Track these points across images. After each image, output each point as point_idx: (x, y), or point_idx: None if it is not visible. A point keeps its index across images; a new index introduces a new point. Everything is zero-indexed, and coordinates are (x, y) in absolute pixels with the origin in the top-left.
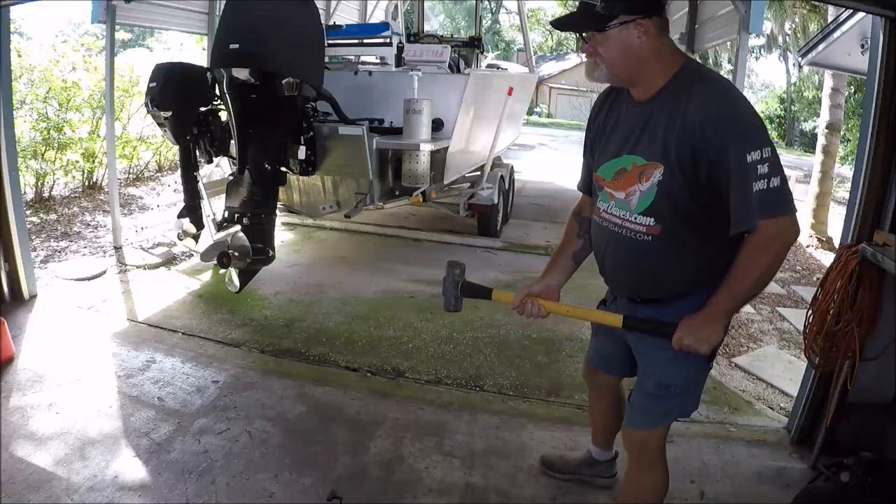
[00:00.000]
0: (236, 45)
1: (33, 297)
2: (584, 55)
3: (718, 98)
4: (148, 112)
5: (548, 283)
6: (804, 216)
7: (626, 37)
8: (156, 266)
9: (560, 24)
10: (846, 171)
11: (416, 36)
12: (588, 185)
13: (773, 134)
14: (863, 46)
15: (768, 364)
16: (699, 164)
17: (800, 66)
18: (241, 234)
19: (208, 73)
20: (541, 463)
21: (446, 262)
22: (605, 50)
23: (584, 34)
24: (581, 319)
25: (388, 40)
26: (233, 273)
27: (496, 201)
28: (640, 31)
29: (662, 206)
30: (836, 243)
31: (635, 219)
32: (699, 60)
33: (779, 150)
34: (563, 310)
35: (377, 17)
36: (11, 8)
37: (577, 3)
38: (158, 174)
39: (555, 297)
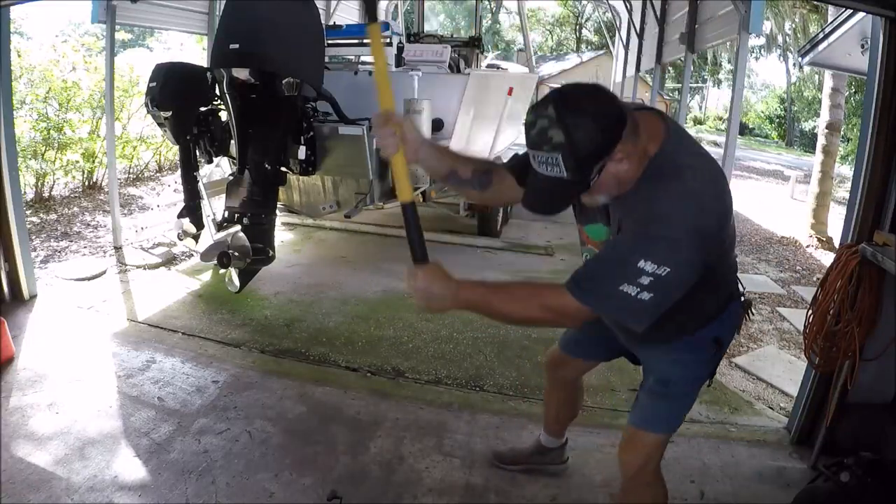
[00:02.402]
0: (236, 45)
1: (33, 297)
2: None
3: (668, 199)
4: (148, 112)
5: (418, 139)
6: (804, 216)
7: (610, 173)
8: (156, 266)
9: (543, 209)
10: (846, 171)
11: (416, 36)
12: (520, 169)
13: (773, 134)
14: (863, 46)
15: (768, 364)
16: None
17: (800, 66)
18: (241, 234)
19: (208, 73)
20: (493, 457)
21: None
22: (599, 192)
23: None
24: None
25: (388, 40)
26: (233, 273)
27: None
28: (618, 160)
29: None
30: (836, 243)
31: None
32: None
33: (779, 150)
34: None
35: None
36: (11, 8)
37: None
38: (158, 174)
39: (413, 153)
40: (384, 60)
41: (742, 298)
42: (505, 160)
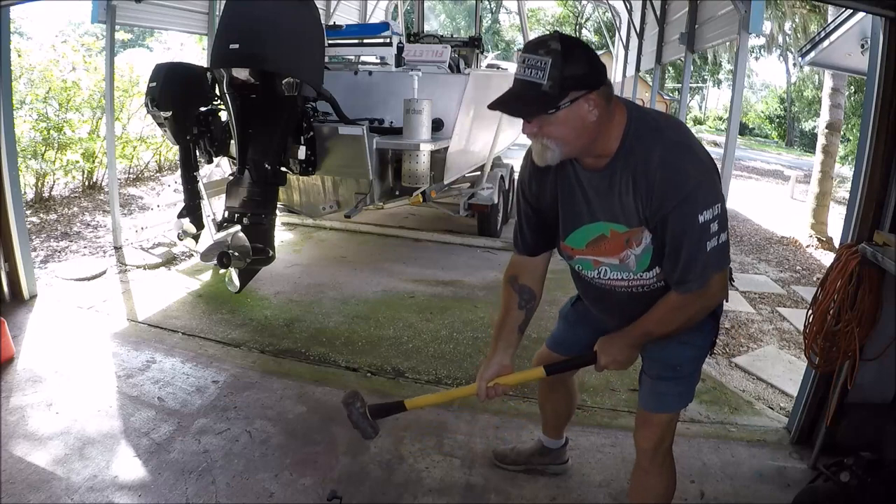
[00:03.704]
0: (236, 45)
1: (33, 297)
2: (526, 135)
3: (665, 159)
4: (148, 112)
5: (500, 363)
6: (804, 216)
7: (578, 113)
8: (156, 266)
9: (502, 107)
10: (846, 171)
11: (416, 36)
12: (534, 243)
13: (773, 134)
14: (863, 46)
15: (768, 364)
16: (655, 224)
17: (800, 66)
18: (241, 234)
19: (208, 73)
20: (493, 457)
21: (342, 403)
22: (556, 129)
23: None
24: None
25: (388, 40)
26: (233, 273)
27: (496, 201)
28: (591, 105)
29: (661, 257)
30: (836, 243)
31: (641, 276)
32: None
33: (779, 150)
34: (525, 377)
35: (377, 17)
36: (11, 8)
37: (525, 73)
38: (158, 174)
39: (508, 373)
40: (524, 377)
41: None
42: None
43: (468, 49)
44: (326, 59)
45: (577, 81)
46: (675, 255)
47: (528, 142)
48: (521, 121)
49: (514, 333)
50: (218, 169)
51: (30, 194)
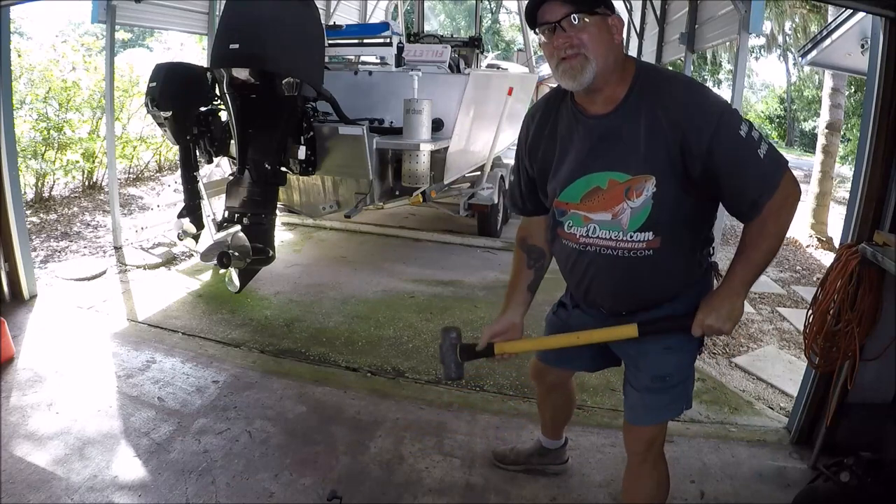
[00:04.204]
0: (236, 45)
1: (33, 297)
2: (563, 52)
3: (688, 91)
4: (148, 112)
5: (510, 321)
6: (804, 216)
7: (608, 28)
8: (156, 266)
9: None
10: (846, 171)
11: (416, 36)
12: (534, 206)
13: (773, 134)
14: (863, 46)
15: (768, 364)
16: (691, 162)
17: (800, 66)
18: (241, 234)
19: (208, 73)
20: (493, 457)
21: (441, 330)
22: (591, 39)
23: (561, 22)
24: (579, 343)
25: (388, 40)
26: (233, 273)
27: (496, 201)
28: (616, 28)
29: (661, 217)
30: (836, 243)
31: (631, 237)
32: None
33: (779, 150)
34: (529, 346)
35: (377, 17)
36: (11, 8)
37: None
38: (158, 174)
39: (517, 333)
40: (531, 345)
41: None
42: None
43: (468, 49)
44: (326, 59)
45: (607, 2)
46: (739, 179)
47: None
48: (521, 121)
49: (524, 293)
50: (218, 169)
51: (30, 194)
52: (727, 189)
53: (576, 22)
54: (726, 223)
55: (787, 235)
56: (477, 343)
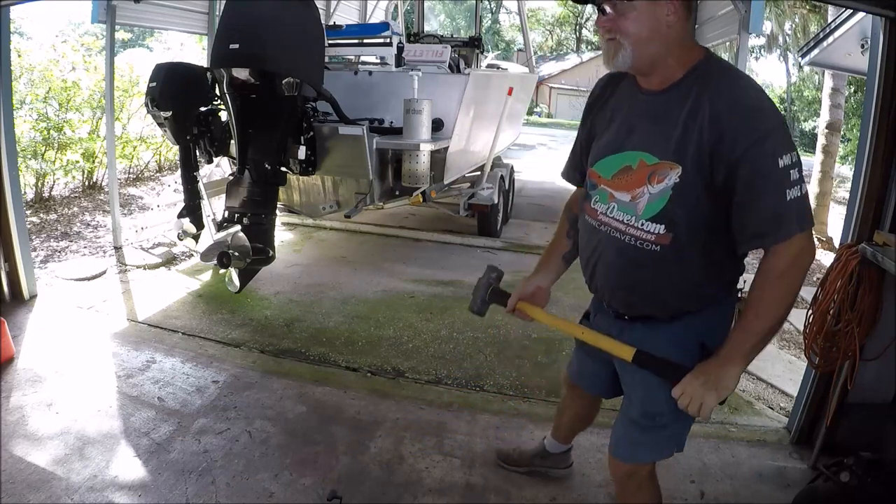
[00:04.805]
0: (236, 45)
1: (33, 297)
2: (603, 34)
3: (745, 92)
4: (148, 112)
5: (538, 284)
6: None
7: (657, 13)
8: (156, 266)
9: None
10: (846, 171)
11: (416, 36)
12: (583, 176)
13: None
14: (863, 46)
15: (768, 364)
16: (717, 165)
17: (800, 66)
18: (241, 234)
19: (208, 73)
20: (496, 456)
21: (487, 265)
22: (633, 25)
23: (604, 5)
24: (583, 339)
25: (388, 40)
26: (233, 273)
27: (496, 201)
28: (671, 10)
29: (676, 213)
30: (836, 243)
31: (642, 225)
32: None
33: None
34: (551, 321)
35: (377, 17)
36: (11, 8)
37: None
38: (158, 174)
39: (543, 298)
40: (553, 322)
41: (739, 296)
42: (505, 160)
43: (468, 49)
44: (326, 59)
45: None
46: (749, 204)
47: (528, 143)
48: (520, 120)
49: (558, 261)
50: (218, 169)
51: (30, 194)
52: (735, 212)
53: (618, 6)
54: None
55: None
56: (509, 294)
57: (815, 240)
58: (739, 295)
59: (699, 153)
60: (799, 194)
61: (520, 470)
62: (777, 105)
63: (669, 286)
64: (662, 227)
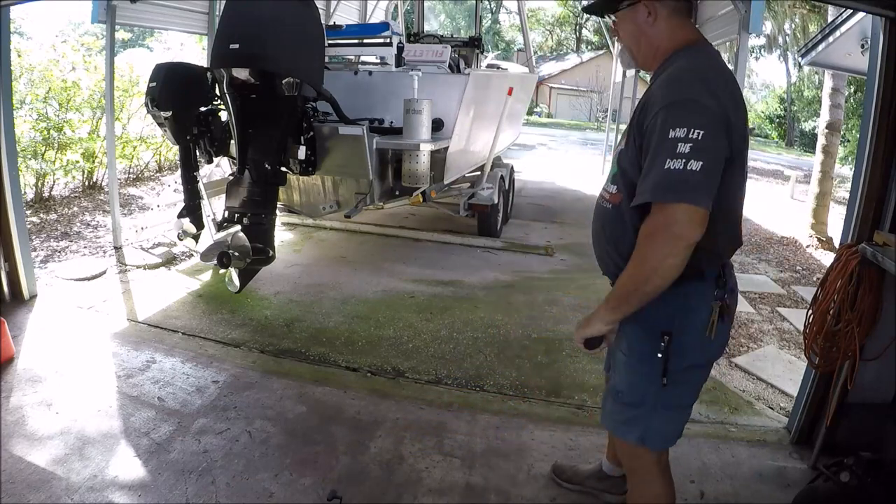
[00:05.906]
0: (236, 45)
1: (33, 297)
2: (619, 42)
3: (682, 70)
4: (148, 112)
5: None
6: (804, 216)
7: (636, 17)
8: (156, 266)
9: (586, 7)
10: (846, 171)
11: (416, 36)
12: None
13: (773, 134)
14: (863, 46)
15: (768, 364)
16: (639, 130)
17: (800, 66)
18: (241, 234)
19: (208, 73)
20: (551, 470)
21: None
22: (622, 32)
23: (613, 20)
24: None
25: (388, 40)
26: (233, 273)
27: (496, 201)
28: (647, 13)
29: (623, 173)
30: (836, 243)
31: (606, 187)
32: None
33: (779, 150)
34: None
35: (377, 17)
36: (11, 8)
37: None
38: (158, 174)
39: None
40: None
41: (724, 296)
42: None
43: (468, 49)
44: (326, 59)
45: None
46: (645, 164)
47: (528, 143)
48: (520, 120)
49: None
50: (218, 169)
51: (30, 194)
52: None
53: (612, 21)
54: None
55: (787, 234)
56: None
57: (816, 239)
58: (725, 292)
59: (635, 119)
60: (680, 167)
61: (572, 487)
62: (777, 105)
63: (618, 247)
64: (615, 187)
